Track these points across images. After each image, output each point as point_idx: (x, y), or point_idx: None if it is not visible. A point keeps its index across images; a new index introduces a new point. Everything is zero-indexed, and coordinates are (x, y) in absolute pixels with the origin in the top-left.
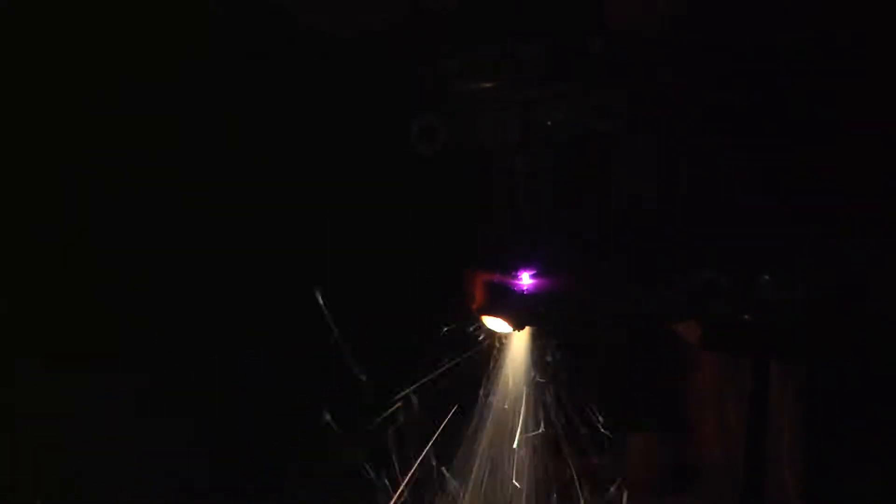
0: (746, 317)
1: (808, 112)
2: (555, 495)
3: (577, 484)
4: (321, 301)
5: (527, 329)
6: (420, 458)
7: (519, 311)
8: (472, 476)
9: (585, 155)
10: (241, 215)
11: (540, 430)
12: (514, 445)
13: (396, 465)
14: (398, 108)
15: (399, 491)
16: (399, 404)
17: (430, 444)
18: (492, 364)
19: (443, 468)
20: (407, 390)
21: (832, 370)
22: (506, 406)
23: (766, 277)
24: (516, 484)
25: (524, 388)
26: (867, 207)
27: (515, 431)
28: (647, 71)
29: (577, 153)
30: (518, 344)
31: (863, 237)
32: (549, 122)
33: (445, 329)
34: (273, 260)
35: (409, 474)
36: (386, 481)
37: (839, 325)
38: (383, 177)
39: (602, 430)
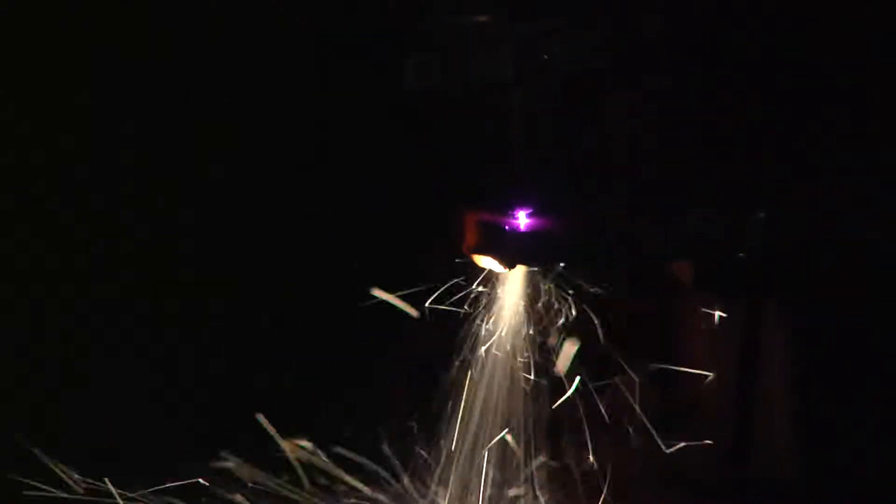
0: (741, 255)
1: (804, 52)
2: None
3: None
4: None
5: (521, 273)
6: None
7: (511, 250)
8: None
9: (580, 93)
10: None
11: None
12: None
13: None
14: (391, 44)
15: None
16: None
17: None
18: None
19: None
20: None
21: (829, 309)
22: (499, 349)
23: (761, 215)
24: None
25: (517, 332)
26: (862, 144)
27: (507, 378)
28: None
29: (572, 91)
30: (511, 287)
31: (860, 174)
32: (545, 56)
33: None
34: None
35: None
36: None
37: (837, 263)
38: (375, 115)
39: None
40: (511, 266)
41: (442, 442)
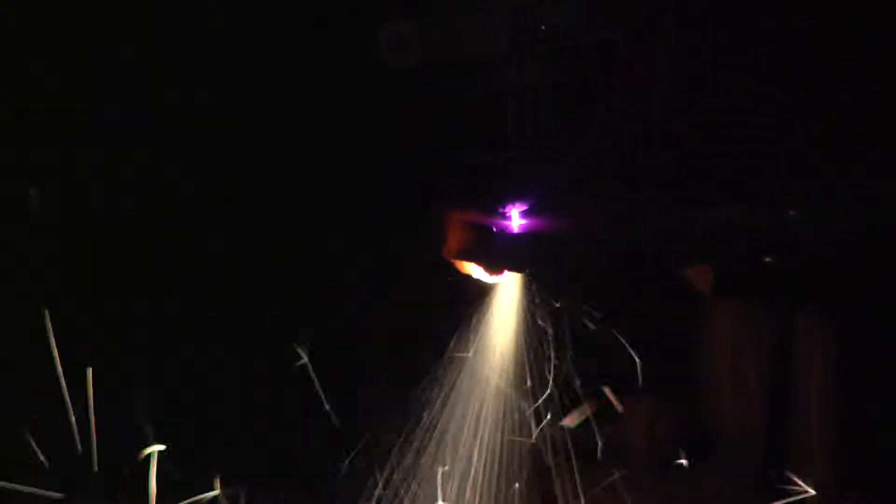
0: (768, 259)
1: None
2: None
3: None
4: None
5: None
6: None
7: (500, 255)
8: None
9: (587, 71)
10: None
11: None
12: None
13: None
14: (365, 13)
15: None
16: None
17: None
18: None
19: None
20: None
21: (869, 321)
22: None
23: (793, 213)
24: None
25: (511, 349)
26: None
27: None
28: None
29: (577, 68)
30: (504, 296)
31: None
32: (542, 27)
33: None
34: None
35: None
36: None
37: (878, 269)
38: (338, 93)
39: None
40: (499, 272)
41: None
